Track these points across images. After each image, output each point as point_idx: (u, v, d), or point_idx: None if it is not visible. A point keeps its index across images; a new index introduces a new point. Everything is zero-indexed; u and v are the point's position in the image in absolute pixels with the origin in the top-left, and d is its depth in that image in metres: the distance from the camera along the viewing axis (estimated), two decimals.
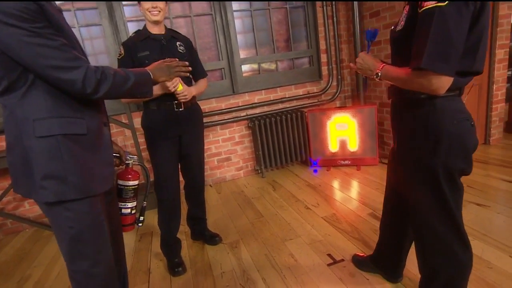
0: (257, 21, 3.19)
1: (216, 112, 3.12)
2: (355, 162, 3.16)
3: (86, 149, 0.97)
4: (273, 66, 3.34)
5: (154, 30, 1.72)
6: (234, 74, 3.14)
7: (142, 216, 1.33)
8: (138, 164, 1.31)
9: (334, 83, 3.48)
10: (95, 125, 1.01)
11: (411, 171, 1.05)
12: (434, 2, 0.78)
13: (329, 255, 1.82)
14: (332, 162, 3.25)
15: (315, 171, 3.26)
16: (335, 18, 3.31)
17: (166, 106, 1.73)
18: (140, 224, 1.33)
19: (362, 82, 1.25)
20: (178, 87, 1.66)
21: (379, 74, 1.02)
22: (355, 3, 3.04)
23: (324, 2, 3.24)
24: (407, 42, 0.93)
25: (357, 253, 1.73)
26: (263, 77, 3.29)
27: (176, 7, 2.91)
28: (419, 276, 1.24)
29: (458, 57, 0.82)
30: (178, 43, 1.80)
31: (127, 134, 2.88)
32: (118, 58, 1.69)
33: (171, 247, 1.91)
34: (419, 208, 1.08)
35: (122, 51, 1.67)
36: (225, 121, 3.16)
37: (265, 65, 3.32)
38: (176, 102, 1.74)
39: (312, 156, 3.32)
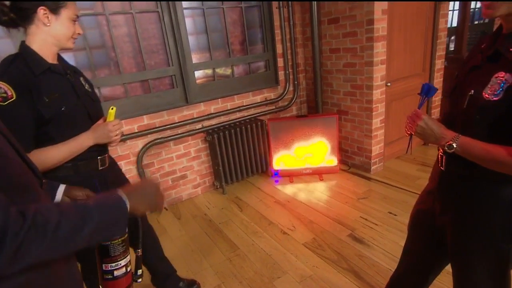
0: (210, 21, 2.82)
1: (168, 126, 2.71)
2: (316, 171, 3.14)
3: None
4: (228, 71, 3.04)
5: (50, 57, 1.16)
6: (187, 82, 2.75)
7: (139, 269, 1.04)
8: None
9: (291, 89, 3.36)
10: None
11: (477, 252, 0.96)
12: None
13: None
14: (294, 172, 3.17)
15: (277, 181, 3.15)
16: (291, 21, 3.14)
17: (87, 167, 1.24)
18: (140, 280, 1.04)
19: (408, 142, 1.10)
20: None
21: (454, 146, 0.87)
22: (314, 6, 2.90)
23: (281, 2, 3.03)
24: (503, 115, 0.80)
25: None
26: (219, 84, 2.97)
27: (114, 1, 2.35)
28: None
29: None
30: (81, 78, 1.31)
31: None
32: (2, 105, 1.00)
33: None
34: (471, 283, 1.01)
35: (13, 93, 1.01)
36: (179, 135, 2.78)
37: (220, 71, 2.99)
38: (100, 157, 1.30)
39: (273, 167, 3.19)
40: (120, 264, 0.89)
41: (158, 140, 2.67)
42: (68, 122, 1.17)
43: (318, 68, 3.13)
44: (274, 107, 3.30)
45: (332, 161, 3.12)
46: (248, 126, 2.98)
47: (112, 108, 1.26)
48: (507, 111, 0.79)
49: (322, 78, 3.21)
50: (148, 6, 2.48)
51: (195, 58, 2.80)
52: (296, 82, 3.34)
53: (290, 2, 3.07)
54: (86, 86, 1.32)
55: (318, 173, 3.13)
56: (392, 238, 2.11)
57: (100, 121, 1.28)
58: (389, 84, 2.91)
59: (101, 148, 1.30)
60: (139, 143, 2.62)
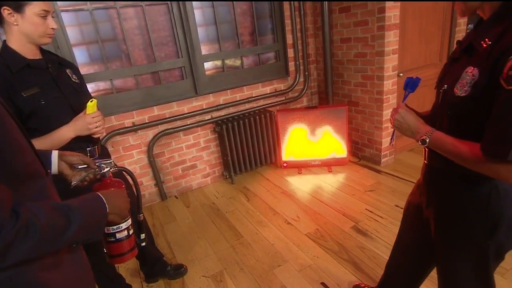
0: (219, 12, 2.84)
1: (178, 117, 2.77)
2: (325, 163, 3.13)
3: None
4: (238, 63, 3.05)
5: (30, 53, 1.20)
6: (196, 73, 2.79)
7: (142, 233, 1.07)
8: (118, 169, 0.98)
9: (301, 79, 3.33)
10: None
11: (457, 248, 0.95)
12: None
13: (323, 284, 1.75)
14: (302, 164, 3.17)
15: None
16: (302, 10, 3.09)
17: None
18: (144, 244, 1.07)
19: (391, 135, 1.08)
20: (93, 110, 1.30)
21: (427, 140, 0.86)
22: None
23: None
24: (471, 112, 0.78)
25: (358, 284, 1.68)
26: (228, 75, 2.99)
27: None
28: None
29: None
30: (68, 70, 1.36)
31: None
32: None
33: None
34: (454, 280, 1.00)
35: None
36: (188, 126, 2.84)
37: (229, 62, 3.01)
38: (90, 148, 1.35)
39: (282, 158, 3.20)
40: (121, 227, 0.91)
41: (168, 131, 2.74)
42: (49, 115, 1.21)
43: (329, 59, 3.08)
44: (284, 98, 3.30)
45: (341, 152, 3.09)
46: (257, 117, 3.00)
47: (91, 101, 1.28)
48: (474, 108, 0.77)
49: (333, 68, 3.16)
50: None
51: (204, 50, 2.83)
52: (306, 73, 3.31)
53: None
54: (73, 78, 1.35)
55: (327, 165, 3.12)
56: (396, 231, 2.08)
57: (81, 114, 1.30)
58: (401, 74, 2.82)
59: (89, 139, 1.33)
60: (150, 133, 2.71)
